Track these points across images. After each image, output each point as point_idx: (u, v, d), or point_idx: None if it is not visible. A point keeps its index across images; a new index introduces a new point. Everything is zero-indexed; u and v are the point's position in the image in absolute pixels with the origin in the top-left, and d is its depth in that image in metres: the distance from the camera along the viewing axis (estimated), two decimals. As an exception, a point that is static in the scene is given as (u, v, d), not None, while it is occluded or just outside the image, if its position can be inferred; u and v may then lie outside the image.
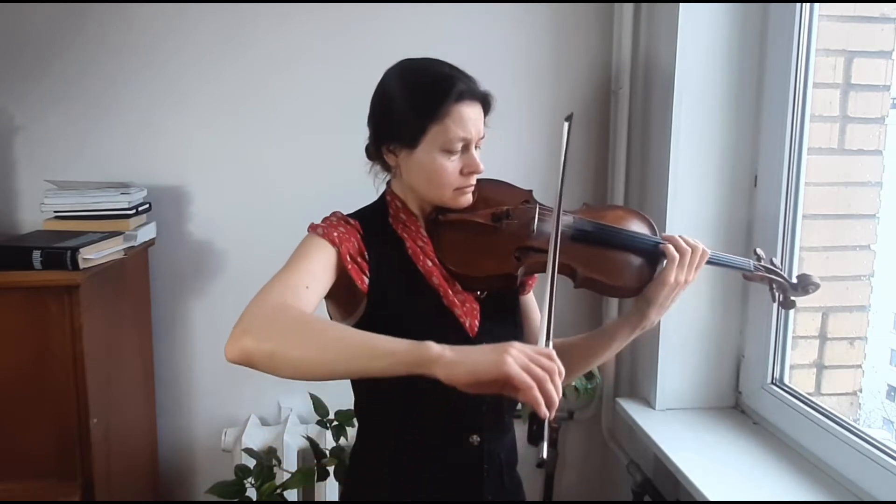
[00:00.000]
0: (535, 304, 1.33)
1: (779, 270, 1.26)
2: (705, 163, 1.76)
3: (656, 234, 1.24)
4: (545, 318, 0.95)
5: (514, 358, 0.84)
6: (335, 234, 1.09)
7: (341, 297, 1.13)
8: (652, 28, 1.91)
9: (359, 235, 1.13)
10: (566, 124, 1.14)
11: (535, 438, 0.83)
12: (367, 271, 1.12)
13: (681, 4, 1.70)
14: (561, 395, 0.85)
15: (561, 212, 1.09)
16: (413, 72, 1.15)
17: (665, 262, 1.19)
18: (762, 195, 1.73)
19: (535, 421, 0.84)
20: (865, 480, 1.38)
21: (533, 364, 0.84)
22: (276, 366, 0.90)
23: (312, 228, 1.12)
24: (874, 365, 1.99)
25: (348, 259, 1.09)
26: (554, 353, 0.87)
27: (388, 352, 0.86)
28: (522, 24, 2.06)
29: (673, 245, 1.18)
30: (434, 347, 0.85)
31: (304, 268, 1.04)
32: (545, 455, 0.82)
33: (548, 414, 0.83)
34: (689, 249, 1.17)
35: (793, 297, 1.26)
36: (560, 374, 0.86)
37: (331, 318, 1.19)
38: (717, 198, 1.77)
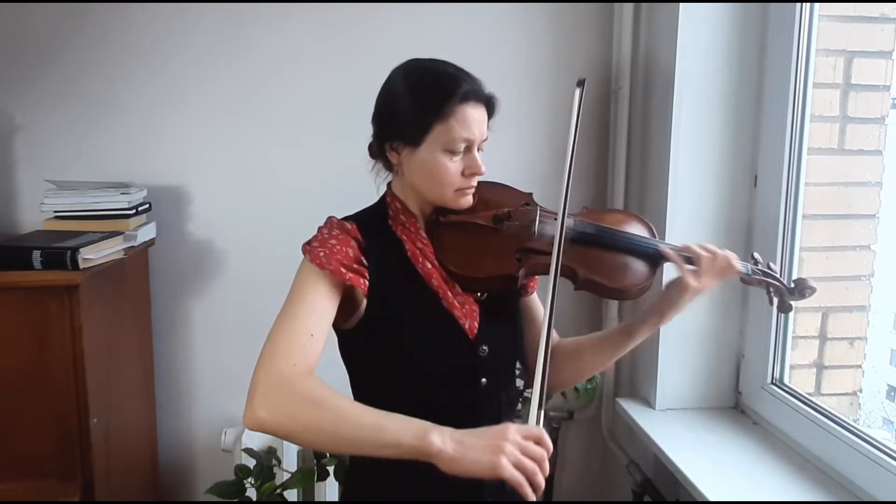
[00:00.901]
0: (539, 305, 1.33)
1: (776, 274, 1.26)
2: (705, 163, 1.76)
3: (655, 238, 1.24)
4: (536, 393, 0.98)
5: (508, 457, 0.90)
6: (322, 253, 1.08)
7: (343, 303, 1.13)
8: (652, 28, 1.91)
9: (356, 239, 1.13)
10: (577, 90, 1.13)
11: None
12: (366, 274, 1.12)
13: (681, 4, 1.70)
14: (547, 475, 0.92)
15: (569, 197, 1.10)
16: (419, 71, 1.16)
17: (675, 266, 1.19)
18: (762, 195, 1.73)
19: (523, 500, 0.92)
20: (865, 480, 1.38)
21: (525, 459, 0.91)
22: (289, 439, 1.01)
23: (303, 251, 1.12)
24: (874, 365, 2.00)
25: (343, 271, 1.08)
26: (544, 436, 0.94)
27: (394, 443, 0.93)
28: (522, 24, 2.06)
29: (700, 252, 1.18)
30: (435, 443, 0.92)
31: (304, 310, 1.06)
32: None
33: (531, 495, 0.91)
34: (710, 255, 1.18)
35: (790, 301, 1.26)
36: (549, 455, 0.93)
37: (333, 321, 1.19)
38: (717, 198, 1.77)
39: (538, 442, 0.93)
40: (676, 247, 1.22)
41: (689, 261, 1.19)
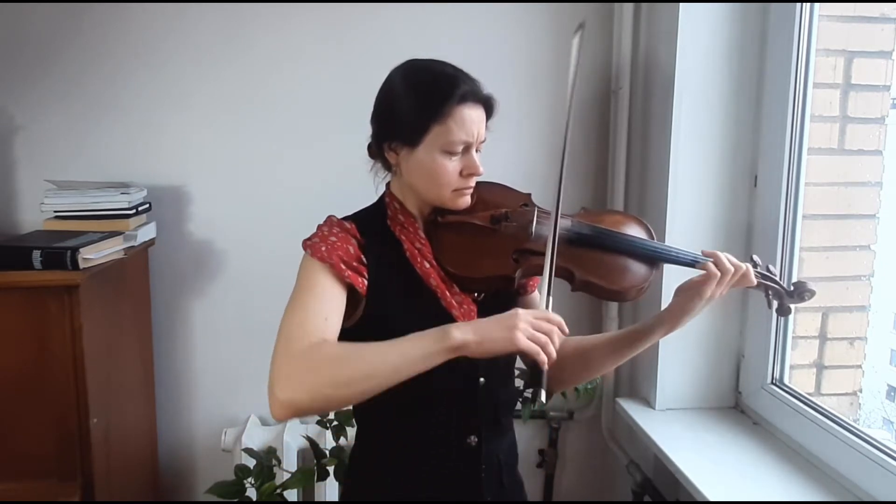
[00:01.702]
0: (538, 303, 1.33)
1: (775, 277, 1.26)
2: (705, 163, 1.76)
3: (654, 240, 1.24)
4: (545, 283, 1.05)
5: (523, 331, 0.97)
6: (324, 248, 1.09)
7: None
8: (652, 28, 1.91)
9: (355, 238, 1.14)
10: (576, 35, 1.14)
11: (534, 382, 0.98)
12: (365, 273, 1.12)
13: (681, 4, 1.70)
14: (558, 347, 0.99)
15: (569, 136, 1.10)
16: (418, 71, 1.16)
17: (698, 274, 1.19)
18: (762, 195, 1.73)
19: (534, 368, 0.98)
20: (865, 480, 1.38)
21: (537, 332, 0.98)
22: (327, 406, 1.07)
23: (304, 246, 1.12)
24: (874, 365, 1.99)
25: (343, 268, 1.09)
26: (553, 315, 1.01)
27: (423, 356, 0.97)
28: (522, 24, 2.06)
29: (717, 262, 1.17)
30: (457, 337, 0.97)
31: (314, 298, 1.06)
32: (544, 399, 0.97)
33: (545, 367, 0.98)
34: (732, 269, 1.17)
35: (789, 305, 1.26)
36: (562, 330, 1.00)
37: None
38: (717, 198, 1.77)
39: (548, 321, 1.00)
40: (683, 253, 1.21)
41: (696, 266, 1.19)
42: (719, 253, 1.18)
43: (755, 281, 1.21)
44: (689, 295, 1.18)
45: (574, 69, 1.13)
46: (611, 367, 1.30)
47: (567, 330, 1.01)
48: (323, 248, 1.09)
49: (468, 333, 0.97)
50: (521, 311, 0.99)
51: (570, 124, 1.12)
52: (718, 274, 1.16)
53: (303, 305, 1.05)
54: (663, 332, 1.22)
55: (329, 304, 1.07)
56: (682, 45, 1.71)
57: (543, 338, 0.98)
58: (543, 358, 0.97)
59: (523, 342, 0.97)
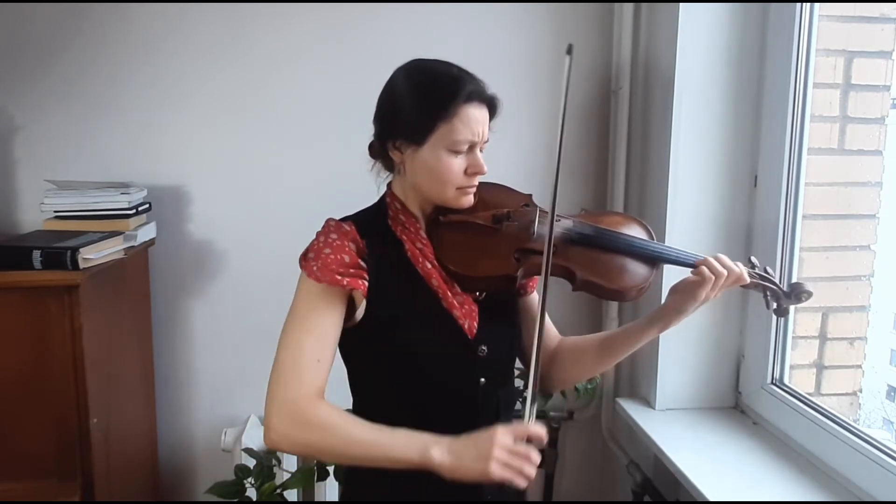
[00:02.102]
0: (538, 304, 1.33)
1: (772, 278, 1.26)
2: (705, 163, 1.76)
3: (654, 240, 1.25)
4: (531, 389, 1.05)
5: (497, 461, 0.99)
6: (315, 267, 1.10)
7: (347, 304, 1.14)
8: (652, 28, 1.91)
9: (354, 241, 1.13)
10: (567, 58, 1.14)
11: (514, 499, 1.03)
12: (365, 275, 1.12)
13: (681, 4, 1.70)
14: (538, 464, 1.01)
15: (561, 156, 1.09)
16: (423, 71, 1.17)
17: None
18: (762, 195, 1.73)
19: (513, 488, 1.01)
20: (865, 480, 1.38)
21: (513, 457, 0.99)
22: (306, 457, 1.23)
23: (301, 265, 1.13)
24: (874, 365, 2.00)
25: (338, 279, 1.09)
26: (532, 430, 1.02)
27: (398, 459, 1.03)
28: (522, 24, 2.06)
29: (709, 266, 1.17)
30: (435, 458, 1.01)
31: (309, 333, 1.09)
32: None
33: (524, 486, 1.01)
34: (725, 273, 1.18)
35: (786, 305, 1.27)
36: (540, 442, 1.02)
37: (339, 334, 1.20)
38: (717, 198, 1.77)
39: (527, 439, 1.01)
40: (683, 254, 1.22)
41: (668, 262, 1.21)
42: (710, 258, 1.19)
43: (748, 280, 1.21)
44: (682, 296, 1.20)
45: (565, 90, 1.13)
46: (607, 365, 1.31)
47: (545, 440, 1.03)
48: (315, 268, 1.10)
49: (445, 459, 1.01)
50: (499, 434, 1.00)
51: (562, 142, 1.10)
52: (712, 278, 1.17)
53: (297, 342, 1.09)
54: (657, 331, 1.23)
55: (322, 339, 1.10)
56: (682, 45, 1.71)
57: (518, 464, 0.99)
58: (520, 482, 1.00)
59: (497, 474, 0.99)
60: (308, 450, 1.11)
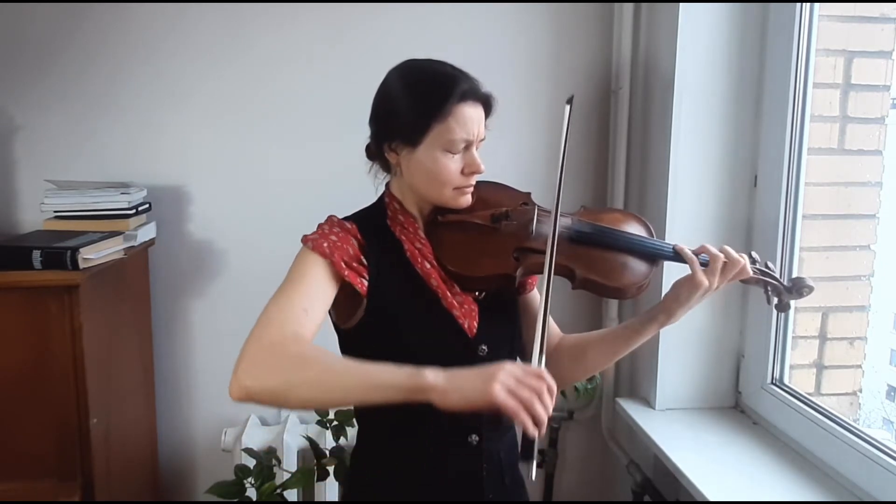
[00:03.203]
0: (539, 301, 1.33)
1: (773, 273, 1.26)
2: (705, 163, 1.76)
3: (653, 237, 1.24)
4: (538, 336, 0.98)
5: (503, 384, 0.89)
6: (325, 244, 1.09)
7: (342, 303, 1.13)
8: (652, 28, 1.91)
9: (356, 239, 1.13)
10: (567, 107, 1.13)
11: (525, 455, 0.90)
12: (365, 274, 1.12)
13: (681, 4, 1.70)
14: (550, 413, 0.89)
15: (560, 201, 1.09)
16: (417, 71, 1.16)
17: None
18: (762, 195, 1.73)
19: (525, 440, 0.90)
20: (865, 480, 1.38)
21: (521, 387, 0.89)
22: (279, 403, 0.97)
23: (304, 241, 1.12)
24: (874, 365, 1.99)
25: (343, 266, 1.09)
26: (544, 372, 0.92)
27: (386, 384, 0.93)
28: (522, 24, 2.06)
29: (717, 254, 1.17)
30: (429, 377, 0.91)
31: (300, 289, 1.05)
32: (534, 476, 0.90)
33: (536, 433, 0.88)
34: (723, 256, 1.17)
35: (787, 301, 1.26)
36: (550, 391, 0.90)
37: (333, 322, 1.19)
38: (717, 198, 1.77)
39: (537, 377, 0.91)
40: (667, 247, 1.21)
41: (702, 261, 1.19)
42: (710, 246, 1.18)
43: (750, 271, 1.20)
44: (684, 287, 1.18)
45: (564, 141, 1.12)
46: (608, 363, 1.30)
47: (555, 390, 0.92)
48: (325, 245, 1.09)
49: (439, 379, 0.91)
50: (508, 364, 0.92)
51: (561, 185, 1.10)
52: (717, 263, 1.16)
53: (287, 294, 1.05)
54: (658, 326, 1.22)
55: (314, 298, 1.05)
56: (682, 45, 1.71)
57: (528, 395, 0.88)
58: (525, 420, 0.87)
59: (501, 396, 0.87)
60: (281, 387, 0.94)
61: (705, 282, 1.16)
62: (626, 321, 1.27)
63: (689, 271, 1.18)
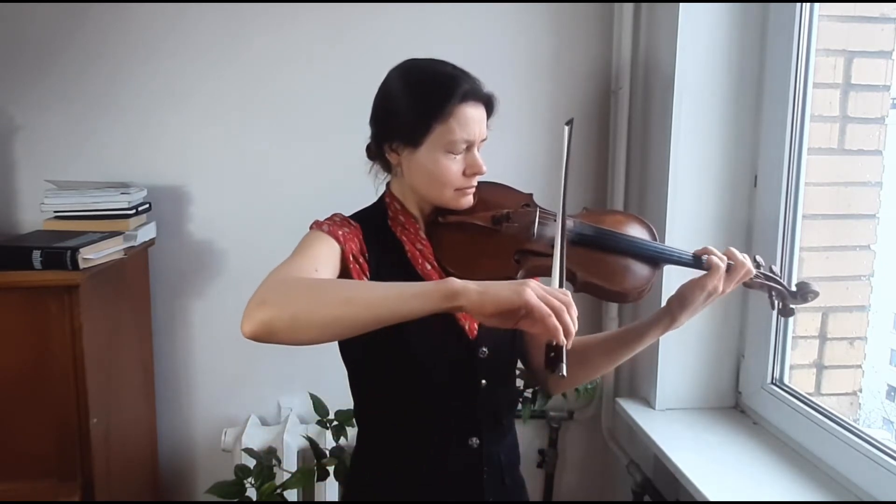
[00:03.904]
0: None
1: (778, 278, 1.25)
2: (705, 163, 1.76)
3: (656, 240, 1.24)
4: (557, 264, 0.98)
5: (533, 290, 0.87)
6: (340, 232, 1.10)
7: None
8: (652, 28, 1.91)
9: (360, 238, 1.13)
10: (566, 129, 1.13)
11: (552, 363, 0.88)
12: (367, 273, 1.12)
13: (681, 4, 1.70)
14: (576, 326, 0.88)
15: (565, 216, 1.09)
16: (418, 71, 1.15)
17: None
18: (762, 195, 1.73)
19: (552, 348, 0.88)
20: (865, 480, 1.38)
21: (550, 296, 0.87)
22: (299, 329, 0.87)
23: (317, 225, 1.12)
24: (874, 365, 1.99)
25: (351, 259, 1.09)
26: (567, 292, 0.91)
27: (416, 293, 0.87)
28: (522, 24, 2.06)
29: (716, 254, 1.17)
30: (457, 282, 0.87)
31: (312, 255, 1.04)
32: (565, 373, 0.87)
33: (565, 342, 0.87)
34: (732, 262, 1.17)
35: (792, 305, 1.26)
36: (574, 308, 0.88)
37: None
38: (717, 198, 1.77)
39: (563, 293, 0.90)
40: (685, 254, 1.21)
41: (701, 265, 1.19)
42: (715, 249, 1.18)
43: (753, 272, 1.20)
44: (691, 290, 1.18)
45: (566, 161, 1.11)
46: (611, 366, 1.29)
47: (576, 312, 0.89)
48: (340, 232, 1.09)
49: (470, 285, 0.87)
50: (532, 280, 0.90)
51: (565, 201, 1.09)
52: (722, 266, 1.15)
53: (295, 259, 1.02)
54: (662, 329, 1.21)
55: (324, 264, 1.03)
56: (682, 45, 1.71)
57: (557, 303, 0.86)
58: (557, 326, 0.85)
59: (533, 299, 0.85)
60: (303, 310, 0.87)
61: (713, 287, 1.15)
62: (629, 324, 1.27)
63: (693, 275, 1.18)
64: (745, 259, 1.19)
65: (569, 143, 1.12)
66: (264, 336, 0.87)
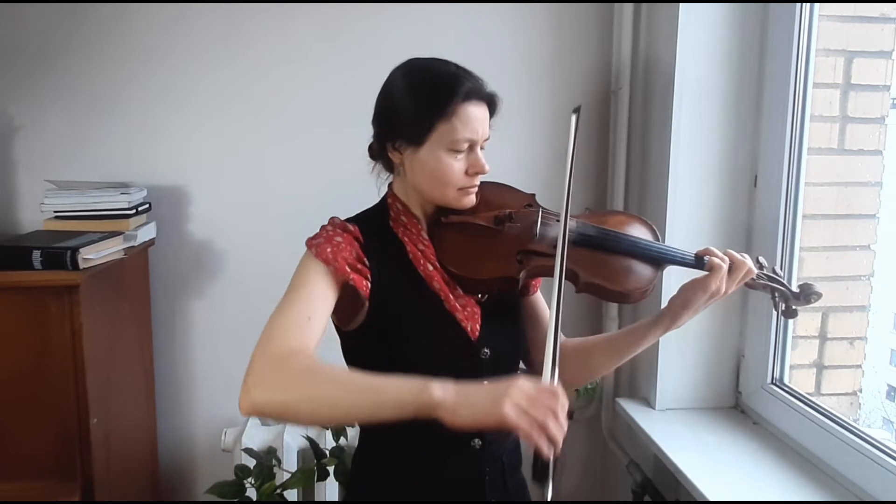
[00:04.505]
0: (544, 303, 1.33)
1: (781, 279, 1.25)
2: (705, 163, 1.76)
3: (659, 240, 1.24)
4: (550, 351, 0.95)
5: (514, 402, 0.85)
6: (328, 249, 1.09)
7: (344, 305, 1.13)
8: (652, 28, 1.91)
9: (358, 241, 1.13)
10: (573, 116, 1.13)
11: (538, 476, 0.86)
12: (368, 276, 1.11)
13: (681, 4, 1.70)
14: (565, 432, 0.86)
15: (569, 210, 1.09)
16: (420, 70, 1.15)
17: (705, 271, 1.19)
18: (762, 195, 1.73)
19: (538, 458, 0.85)
20: (865, 480, 1.38)
21: (534, 406, 0.85)
22: (288, 418, 0.99)
23: (308, 245, 1.11)
24: (874, 365, 2.00)
25: (347, 270, 1.08)
26: (558, 389, 0.89)
27: (393, 401, 0.90)
28: (522, 24, 2.06)
29: (714, 254, 1.17)
30: (436, 393, 0.88)
31: (304, 297, 1.05)
32: (549, 498, 0.86)
33: (551, 455, 0.84)
34: (728, 259, 1.17)
35: (795, 307, 1.26)
36: (564, 409, 0.86)
37: (335, 325, 1.19)
38: (717, 198, 1.77)
39: (551, 395, 0.87)
40: (688, 255, 1.21)
41: (703, 265, 1.19)
42: (716, 250, 1.18)
43: (755, 271, 1.20)
44: (692, 291, 1.18)
45: (572, 149, 1.11)
46: (612, 367, 1.29)
47: (567, 407, 0.88)
48: (328, 249, 1.09)
49: (448, 396, 0.87)
50: (521, 380, 0.88)
51: (570, 191, 1.11)
52: (724, 266, 1.16)
53: (290, 304, 1.05)
54: (663, 330, 1.21)
55: (317, 304, 1.06)
56: (682, 45, 1.71)
57: (542, 415, 0.84)
58: (540, 442, 0.83)
59: (512, 416, 0.84)
60: (290, 399, 0.93)
61: (715, 287, 1.16)
62: (629, 325, 1.27)
63: (694, 275, 1.18)
64: (745, 258, 1.19)
65: (575, 132, 1.11)
66: (258, 416, 1.01)
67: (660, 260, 1.20)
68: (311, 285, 1.07)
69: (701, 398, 1.84)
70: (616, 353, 1.25)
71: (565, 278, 1.14)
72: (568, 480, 2.28)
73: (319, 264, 1.08)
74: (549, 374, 0.92)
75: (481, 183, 1.18)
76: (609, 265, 1.18)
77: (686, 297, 1.18)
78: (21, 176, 1.96)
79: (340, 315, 1.16)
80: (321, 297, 1.07)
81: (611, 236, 1.20)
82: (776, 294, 1.26)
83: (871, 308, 1.75)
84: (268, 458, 1.81)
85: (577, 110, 1.14)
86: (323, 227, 1.15)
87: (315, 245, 1.10)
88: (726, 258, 1.17)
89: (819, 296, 1.24)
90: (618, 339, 1.26)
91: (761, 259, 1.27)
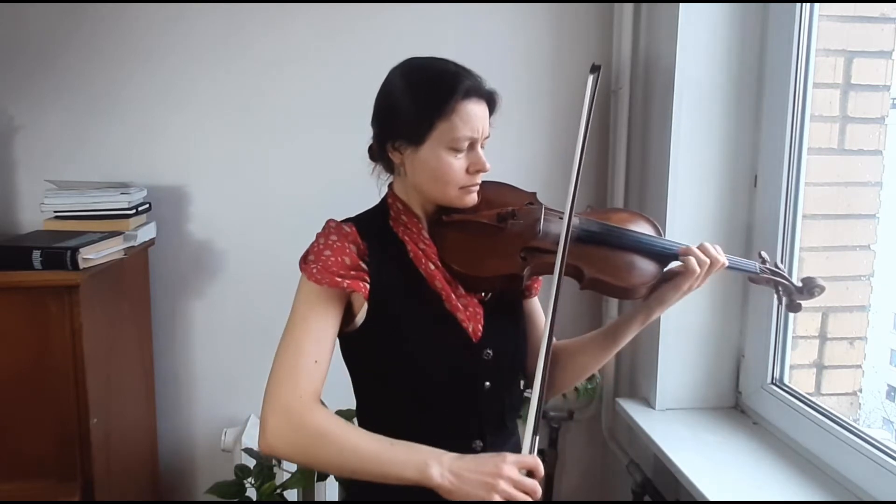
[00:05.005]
0: (540, 308, 1.33)
1: (784, 273, 1.25)
2: (705, 163, 1.76)
3: (661, 237, 1.24)
4: (532, 414, 1.03)
5: (501, 493, 1.00)
6: (315, 269, 1.08)
7: (346, 308, 1.13)
8: (652, 28, 1.91)
9: (354, 243, 1.12)
10: (591, 76, 1.12)
11: None
12: (366, 278, 1.11)
13: (681, 4, 1.70)
14: (540, 495, 1.02)
15: (579, 179, 1.10)
16: (419, 69, 1.15)
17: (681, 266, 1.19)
18: (762, 195, 1.73)
19: None
20: (865, 480, 1.38)
21: (518, 492, 1.00)
22: (303, 466, 1.20)
23: (301, 268, 1.11)
24: (874, 365, 2.00)
25: (338, 281, 1.08)
26: (538, 463, 1.03)
27: (396, 476, 1.03)
28: (522, 24, 2.06)
29: (695, 256, 1.17)
30: (434, 477, 1.01)
31: (307, 335, 1.09)
32: None
33: None
34: (709, 262, 1.17)
35: (798, 301, 1.26)
36: (542, 483, 1.03)
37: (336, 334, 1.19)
38: (717, 198, 1.77)
39: (532, 471, 1.02)
40: (675, 246, 1.21)
41: (677, 259, 1.19)
42: (695, 249, 1.18)
43: (727, 263, 1.20)
44: (669, 287, 1.19)
45: (588, 107, 1.11)
46: (597, 366, 1.30)
47: (542, 474, 1.03)
48: (315, 270, 1.09)
49: (445, 480, 1.01)
50: (507, 463, 1.02)
51: (581, 163, 1.12)
52: (698, 271, 1.16)
53: (296, 342, 1.09)
54: (640, 324, 1.22)
55: (321, 341, 1.09)
56: (682, 45, 1.71)
57: (523, 498, 1.00)
58: None
59: (499, 500, 1.00)
60: (304, 457, 1.08)
61: (695, 286, 1.17)
62: (607, 324, 1.28)
63: (671, 267, 1.19)
64: (719, 254, 1.18)
65: (593, 93, 1.11)
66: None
67: (664, 255, 1.20)
68: (312, 318, 1.09)
69: (701, 398, 1.84)
70: (602, 351, 1.26)
71: (570, 275, 1.15)
72: (568, 480, 2.28)
73: (314, 289, 1.09)
74: (531, 445, 1.04)
75: (483, 182, 1.17)
76: (613, 261, 1.18)
77: (661, 294, 1.19)
78: (21, 176, 1.96)
79: (343, 317, 1.16)
80: (324, 328, 1.10)
81: (615, 232, 1.19)
82: (780, 288, 1.26)
83: (871, 308, 1.75)
84: (268, 458, 1.81)
85: (596, 69, 1.12)
86: (314, 241, 1.13)
87: (305, 268, 1.11)
88: (705, 260, 1.17)
89: (822, 289, 1.24)
90: (601, 337, 1.26)
91: (763, 254, 1.27)
